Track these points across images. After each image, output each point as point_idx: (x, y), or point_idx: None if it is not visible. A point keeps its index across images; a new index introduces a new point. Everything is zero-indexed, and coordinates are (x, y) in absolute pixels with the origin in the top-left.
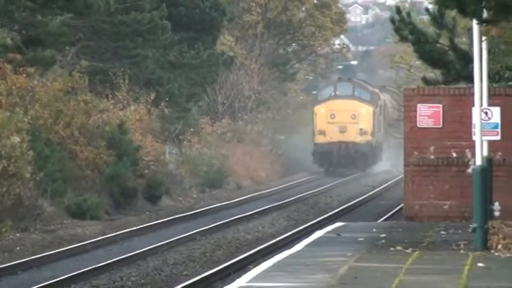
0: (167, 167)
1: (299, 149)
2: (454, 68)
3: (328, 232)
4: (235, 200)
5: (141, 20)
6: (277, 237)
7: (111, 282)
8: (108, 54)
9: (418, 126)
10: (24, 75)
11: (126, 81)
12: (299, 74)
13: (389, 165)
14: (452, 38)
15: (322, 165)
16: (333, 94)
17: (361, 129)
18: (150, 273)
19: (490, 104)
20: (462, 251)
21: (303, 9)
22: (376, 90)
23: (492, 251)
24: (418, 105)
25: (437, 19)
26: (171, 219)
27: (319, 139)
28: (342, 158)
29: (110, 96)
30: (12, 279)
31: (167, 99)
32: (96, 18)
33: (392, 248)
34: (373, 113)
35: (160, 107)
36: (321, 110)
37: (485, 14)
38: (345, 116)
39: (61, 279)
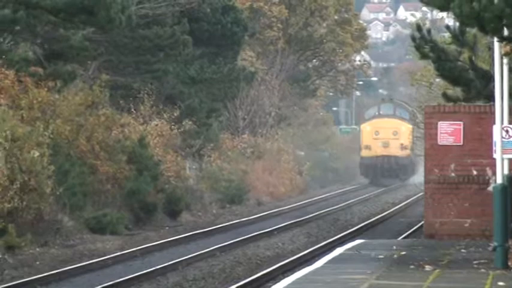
0: (187, 182)
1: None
2: (475, 87)
3: (348, 249)
4: (255, 216)
5: (163, 34)
6: (297, 254)
7: None
8: (130, 69)
9: (439, 143)
10: (46, 89)
11: (151, 96)
12: (319, 90)
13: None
14: (473, 57)
15: (368, 176)
16: (377, 113)
17: (401, 144)
18: None
19: (510, 122)
20: (482, 270)
21: (324, 25)
22: (414, 110)
23: None
24: (439, 122)
25: (458, 37)
26: (191, 234)
27: (365, 153)
28: (385, 170)
29: (133, 110)
30: None
31: (188, 114)
32: (118, 33)
33: (412, 266)
34: (412, 130)
35: (183, 123)
36: (366, 127)
37: (506, 32)
38: (388, 133)
39: None
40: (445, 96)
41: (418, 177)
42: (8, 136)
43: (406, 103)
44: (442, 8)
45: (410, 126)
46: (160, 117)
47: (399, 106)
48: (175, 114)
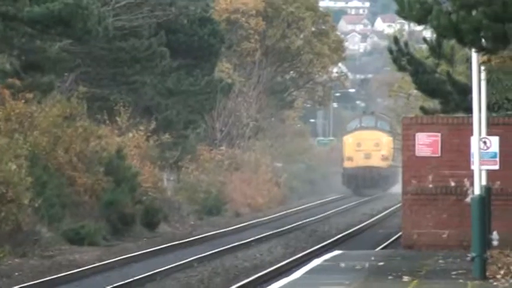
0: (165, 193)
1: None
2: (453, 99)
3: (326, 260)
4: (233, 227)
5: (140, 46)
6: (275, 265)
7: None
8: (107, 81)
9: (417, 155)
10: (23, 100)
11: (128, 108)
12: (297, 101)
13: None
14: (451, 70)
15: (350, 187)
16: (358, 125)
17: (382, 155)
18: None
19: (488, 134)
20: (461, 280)
21: (301, 36)
22: (394, 122)
23: (490, 280)
24: (417, 134)
25: (435, 49)
26: (169, 245)
27: (348, 164)
28: (367, 180)
29: (108, 122)
30: None
31: (166, 126)
32: (95, 45)
33: (390, 277)
34: (393, 141)
35: (160, 134)
36: (349, 139)
37: (483, 43)
38: (369, 145)
39: None
40: (423, 109)
41: (399, 188)
42: None
43: (386, 115)
44: (419, 21)
45: (391, 138)
46: (137, 129)
47: (380, 118)
48: (151, 126)
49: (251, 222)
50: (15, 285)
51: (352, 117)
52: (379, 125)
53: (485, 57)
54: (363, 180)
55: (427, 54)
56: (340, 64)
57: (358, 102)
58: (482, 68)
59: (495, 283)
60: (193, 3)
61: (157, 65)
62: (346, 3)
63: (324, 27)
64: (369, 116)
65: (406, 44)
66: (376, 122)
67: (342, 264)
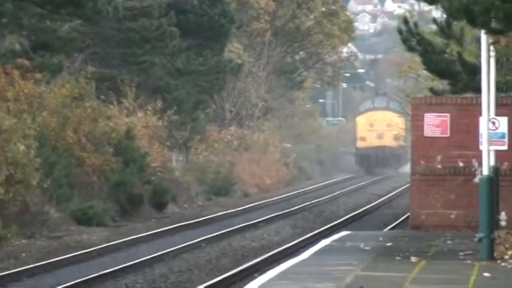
0: (174, 174)
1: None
2: (462, 80)
3: (334, 241)
4: (241, 207)
5: (150, 26)
6: (283, 246)
7: None
8: (116, 61)
9: (425, 135)
10: (32, 81)
11: (133, 88)
12: (306, 82)
13: None
14: (461, 51)
15: (363, 166)
16: (371, 106)
17: (394, 135)
18: (156, 280)
19: (497, 114)
20: (468, 261)
21: (311, 17)
22: (404, 102)
23: (498, 261)
24: (425, 114)
25: (444, 29)
26: (177, 226)
27: (361, 144)
28: (379, 159)
29: (116, 103)
30: (18, 285)
31: (175, 106)
32: (105, 25)
33: (398, 257)
34: (404, 122)
35: (167, 113)
36: (361, 119)
37: (493, 24)
38: (382, 125)
39: (66, 286)
40: (432, 90)
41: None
42: None
43: (397, 96)
44: (430, 2)
45: (403, 119)
46: (146, 109)
47: (392, 99)
48: (159, 106)
49: (259, 202)
50: (22, 266)
51: (364, 98)
52: (391, 106)
53: (495, 38)
54: (376, 159)
55: (436, 33)
56: (349, 44)
57: (367, 82)
58: (492, 48)
59: (503, 264)
60: None
61: (167, 45)
62: None
63: (333, 7)
64: (381, 97)
65: (415, 24)
66: (388, 102)
67: (350, 244)
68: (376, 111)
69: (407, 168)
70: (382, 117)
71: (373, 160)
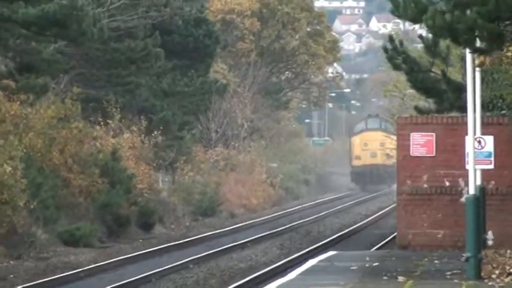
0: (160, 195)
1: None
2: (447, 98)
3: (321, 261)
4: (228, 228)
5: (135, 47)
6: (270, 266)
7: None
8: (102, 82)
9: (411, 154)
10: (18, 102)
11: (119, 109)
12: (292, 102)
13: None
14: (446, 69)
15: (358, 183)
16: (364, 128)
17: (387, 154)
18: None
19: (483, 133)
20: (455, 281)
21: (296, 37)
22: (388, 121)
23: (485, 280)
24: (411, 133)
25: (430, 47)
26: (164, 247)
27: (356, 162)
28: (373, 177)
29: (102, 123)
30: None
31: (161, 127)
32: (90, 46)
33: (385, 277)
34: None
35: (153, 134)
36: (356, 140)
37: (478, 43)
38: (375, 144)
39: None
40: (417, 109)
41: None
42: None
43: (383, 115)
44: (414, 20)
45: (395, 138)
46: (132, 130)
47: (384, 120)
48: (143, 126)
49: (246, 223)
50: (11, 287)
51: (350, 118)
52: (383, 126)
53: (481, 58)
54: (370, 177)
55: (422, 52)
56: (335, 64)
57: (353, 102)
58: (477, 68)
59: (490, 283)
60: (188, 4)
61: (152, 66)
62: (341, 3)
63: (319, 27)
64: (374, 119)
65: (401, 42)
66: (381, 123)
67: (338, 264)
68: (370, 132)
69: None
70: (375, 138)
71: (368, 177)
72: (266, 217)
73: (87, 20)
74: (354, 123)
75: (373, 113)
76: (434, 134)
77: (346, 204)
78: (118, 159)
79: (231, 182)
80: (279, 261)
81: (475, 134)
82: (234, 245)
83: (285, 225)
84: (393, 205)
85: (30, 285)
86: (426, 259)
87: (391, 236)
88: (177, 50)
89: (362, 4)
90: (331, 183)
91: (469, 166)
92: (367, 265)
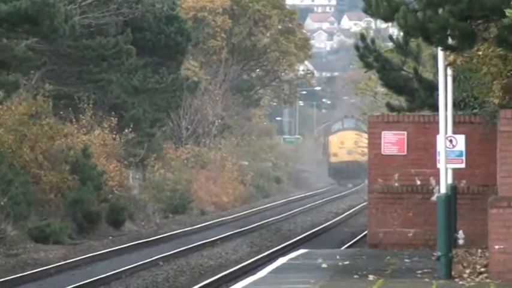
0: (131, 192)
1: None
2: (419, 97)
3: (291, 259)
4: (199, 225)
5: (106, 44)
6: (240, 264)
7: None
8: (73, 79)
9: (383, 153)
10: None
11: (91, 105)
12: (263, 99)
13: None
14: (417, 67)
15: (335, 178)
16: (341, 127)
17: (362, 151)
18: None
19: (454, 132)
20: (426, 279)
21: (268, 34)
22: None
23: (456, 279)
24: (383, 132)
25: (402, 46)
26: (134, 244)
27: (333, 159)
28: (350, 172)
29: (74, 120)
30: None
31: (131, 124)
32: (62, 43)
33: (356, 276)
34: None
35: (124, 132)
36: (333, 138)
37: (450, 42)
38: (351, 143)
39: None
40: (389, 106)
41: None
42: None
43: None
44: (386, 19)
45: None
46: (102, 126)
47: (359, 120)
48: (114, 123)
49: (216, 220)
50: None
51: (321, 116)
52: (358, 126)
53: (451, 58)
54: (347, 172)
55: (393, 50)
56: (306, 62)
57: (324, 100)
58: (448, 67)
59: (461, 282)
60: (159, 1)
61: (123, 63)
62: (313, 1)
63: (290, 25)
64: (350, 119)
65: (373, 41)
66: (356, 123)
67: (308, 262)
68: (346, 131)
69: None
70: (350, 136)
71: (345, 173)
72: (237, 215)
73: (58, 17)
74: (329, 122)
75: (346, 111)
76: (405, 133)
77: (317, 202)
78: (89, 156)
79: (202, 179)
80: (249, 259)
81: (446, 132)
82: (205, 243)
83: (256, 222)
84: (364, 203)
85: (0, 282)
86: (397, 258)
87: (362, 235)
88: (149, 47)
89: (333, 2)
90: (302, 181)
91: (441, 165)
92: (338, 263)
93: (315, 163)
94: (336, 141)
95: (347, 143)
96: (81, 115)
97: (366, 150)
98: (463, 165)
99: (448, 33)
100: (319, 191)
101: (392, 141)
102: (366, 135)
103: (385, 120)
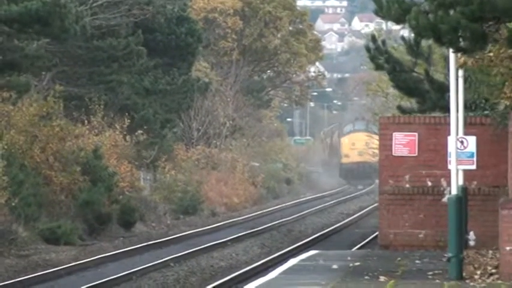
0: (141, 193)
1: (274, 176)
2: (430, 98)
3: (302, 260)
4: (209, 226)
5: (117, 45)
6: (251, 265)
7: None
8: (84, 80)
9: (394, 154)
10: (0, 100)
11: (102, 106)
12: (274, 101)
13: None
14: (428, 69)
15: (346, 179)
16: (352, 129)
17: (373, 152)
18: None
19: (465, 133)
20: (437, 281)
21: (279, 36)
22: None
23: (467, 280)
24: (394, 133)
25: (413, 47)
26: (145, 245)
27: (345, 160)
28: (360, 173)
29: (85, 121)
30: None
31: (143, 125)
32: (72, 44)
33: (367, 277)
34: None
35: (136, 133)
36: (345, 140)
37: (461, 43)
38: (362, 144)
39: None
40: (400, 108)
41: None
42: None
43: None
44: (397, 21)
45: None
46: (114, 128)
47: (370, 122)
48: (126, 124)
49: (227, 221)
50: None
51: (347, 122)
52: (369, 128)
53: (461, 60)
54: (358, 173)
55: (405, 52)
56: (317, 63)
57: (335, 101)
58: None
59: (472, 283)
60: (170, 2)
61: (134, 64)
62: (324, 2)
63: (301, 26)
64: (360, 121)
65: (383, 42)
66: (367, 125)
67: (319, 263)
68: (357, 133)
69: None
70: (361, 138)
71: (356, 173)
72: (247, 216)
73: (69, 18)
74: (336, 124)
75: (357, 113)
76: (416, 134)
77: (327, 203)
78: (100, 157)
79: (213, 180)
80: (260, 260)
81: (457, 134)
82: (215, 244)
83: (266, 224)
84: (375, 204)
85: (11, 283)
86: (408, 259)
87: (373, 236)
88: (159, 48)
89: (344, 3)
90: (313, 182)
91: (452, 166)
92: (348, 265)
93: (326, 164)
94: (347, 142)
95: (358, 145)
96: (92, 116)
97: (376, 151)
98: (474, 167)
99: (460, 34)
100: (330, 192)
101: (403, 143)
102: (376, 137)
103: (396, 121)
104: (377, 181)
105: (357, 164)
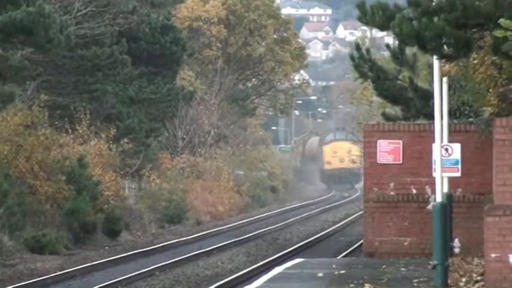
0: (126, 202)
1: (259, 185)
2: (414, 106)
3: (288, 268)
4: (194, 235)
5: (101, 54)
6: (236, 273)
7: None
8: (68, 89)
9: (378, 162)
10: None
11: (87, 115)
12: (259, 109)
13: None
14: (413, 76)
15: (328, 184)
16: (333, 138)
17: (353, 159)
18: None
19: (450, 141)
20: None
21: (263, 44)
22: (356, 129)
23: None
24: (378, 141)
25: (397, 55)
26: (131, 254)
27: (327, 167)
28: (341, 177)
29: (70, 130)
30: None
31: (127, 134)
32: (57, 53)
33: (352, 285)
34: (359, 148)
35: (121, 142)
36: (327, 148)
37: (445, 50)
38: (343, 152)
39: None
40: (384, 115)
41: None
42: None
43: (348, 126)
44: (381, 28)
45: (359, 146)
46: (99, 137)
47: (349, 132)
48: (112, 133)
49: (212, 230)
50: None
51: (316, 125)
52: (349, 137)
53: (446, 68)
54: (339, 178)
55: (389, 60)
56: (301, 71)
57: (319, 109)
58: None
59: None
60: (155, 11)
61: (119, 73)
62: (308, 10)
63: (285, 34)
64: (341, 130)
65: (367, 50)
66: (347, 134)
67: (304, 271)
68: (338, 142)
69: (362, 184)
70: (342, 146)
71: (337, 178)
72: (232, 224)
73: (54, 27)
74: (307, 133)
75: (341, 121)
76: (401, 142)
77: (312, 212)
78: (85, 166)
79: (198, 189)
80: (246, 269)
81: (442, 141)
82: (200, 252)
83: (252, 232)
84: (360, 212)
85: None
86: (393, 267)
87: (358, 244)
88: (144, 57)
89: (329, 11)
90: (298, 190)
91: (436, 174)
92: (334, 272)
93: (292, 170)
94: (329, 150)
95: (339, 152)
96: (77, 125)
97: (355, 158)
98: (458, 174)
99: (444, 41)
100: (315, 200)
101: (388, 150)
102: (355, 145)
103: (380, 129)
104: (357, 186)
105: (338, 170)
